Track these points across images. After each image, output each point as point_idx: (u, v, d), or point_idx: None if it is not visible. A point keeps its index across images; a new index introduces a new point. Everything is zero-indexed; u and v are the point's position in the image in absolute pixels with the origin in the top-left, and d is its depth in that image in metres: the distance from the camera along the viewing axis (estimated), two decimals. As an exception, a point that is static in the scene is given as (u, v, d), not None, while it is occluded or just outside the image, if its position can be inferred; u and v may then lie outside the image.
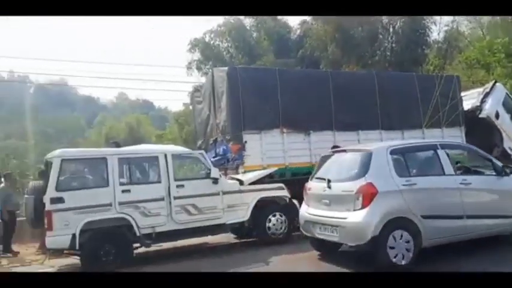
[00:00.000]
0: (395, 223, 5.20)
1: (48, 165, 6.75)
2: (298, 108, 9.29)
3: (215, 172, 7.37)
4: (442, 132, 10.66)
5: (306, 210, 6.30)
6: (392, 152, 5.67)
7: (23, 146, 31.46)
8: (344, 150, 6.57)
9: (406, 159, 5.76)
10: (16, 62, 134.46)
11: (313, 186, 6.27)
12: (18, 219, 9.06)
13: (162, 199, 6.93)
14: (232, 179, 8.07)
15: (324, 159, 6.62)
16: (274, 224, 7.62)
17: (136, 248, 6.86)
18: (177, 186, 7.07)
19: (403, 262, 5.05)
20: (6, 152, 29.49)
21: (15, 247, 8.74)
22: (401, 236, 5.20)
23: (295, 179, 9.00)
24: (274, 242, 7.50)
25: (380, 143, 7.26)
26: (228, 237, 8.44)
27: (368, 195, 5.25)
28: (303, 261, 6.38)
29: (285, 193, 7.91)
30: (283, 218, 7.69)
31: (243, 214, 7.48)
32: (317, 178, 6.29)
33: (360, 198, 5.27)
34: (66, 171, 6.69)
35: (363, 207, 5.24)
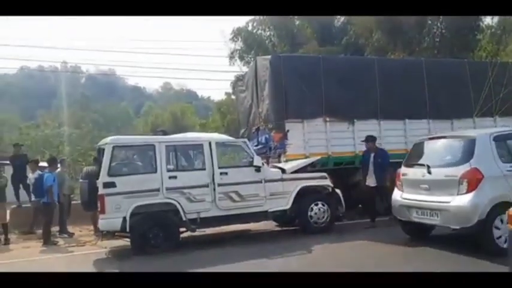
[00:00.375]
0: (500, 207, 5.27)
1: (100, 151, 7.11)
2: (342, 97, 9.17)
3: (258, 160, 7.45)
4: (494, 121, 10.16)
5: (401, 196, 6.49)
6: (495, 139, 5.83)
7: (75, 133, 33.06)
8: (442, 137, 6.67)
9: (508, 146, 5.90)
10: (68, 53, 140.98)
11: (410, 172, 6.45)
12: (72, 202, 9.66)
13: (207, 186, 7.11)
14: (275, 167, 8.13)
15: (418, 146, 6.80)
16: (316, 213, 7.62)
17: (182, 232, 7.10)
18: (221, 173, 7.22)
19: (505, 245, 5.03)
20: (60, 139, 31.24)
21: (70, 229, 9.31)
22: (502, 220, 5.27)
23: (338, 169, 8.97)
24: (316, 230, 7.51)
25: (481, 130, 7.24)
26: (270, 225, 8.55)
27: (474, 180, 5.47)
28: (344, 250, 6.37)
29: (327, 182, 7.88)
30: (326, 207, 7.66)
31: (285, 202, 7.53)
32: (413, 164, 6.44)
33: (465, 183, 5.51)
34: (118, 158, 7.02)
35: (468, 191, 5.46)
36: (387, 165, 7.99)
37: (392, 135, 9.47)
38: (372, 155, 8.13)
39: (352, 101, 9.23)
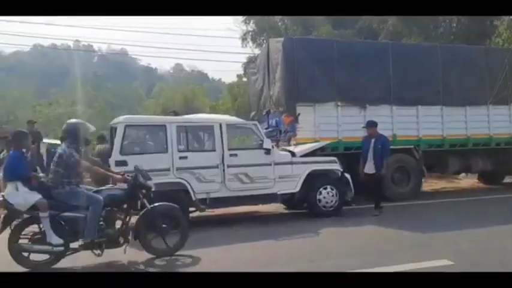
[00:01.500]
0: None
1: (113, 130, 7.19)
2: (354, 81, 9.10)
3: (267, 143, 7.47)
4: (509, 109, 10.01)
5: None
6: None
7: (87, 112, 33.33)
8: None
9: None
10: (81, 31, 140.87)
11: None
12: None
13: (216, 167, 7.18)
14: (285, 150, 8.15)
15: None
16: (324, 197, 7.65)
17: (192, 212, 7.21)
18: (231, 155, 7.27)
19: None
20: (72, 117, 31.53)
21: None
22: None
23: (348, 153, 8.96)
24: (324, 214, 7.56)
25: None
26: (278, 208, 8.62)
27: None
28: (351, 234, 6.42)
29: (337, 167, 7.89)
30: (334, 191, 7.69)
31: (294, 185, 7.57)
32: None
33: None
34: (130, 137, 7.11)
35: None
36: (387, 152, 7.84)
37: (405, 121, 9.40)
38: (373, 140, 7.88)
39: (365, 86, 9.16)
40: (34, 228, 4.97)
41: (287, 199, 7.94)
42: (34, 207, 4.77)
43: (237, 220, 7.80)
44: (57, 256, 4.92)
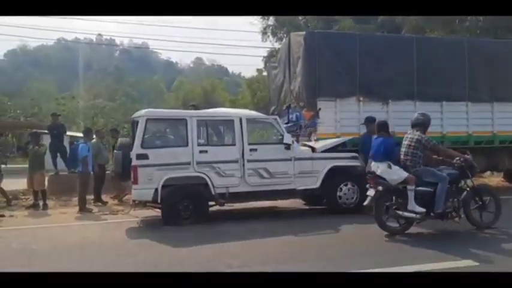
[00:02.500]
0: None
1: (135, 124, 7.26)
2: (377, 76, 8.90)
3: (288, 138, 7.42)
4: (539, 106, 9.66)
5: None
6: None
7: (109, 105, 33.87)
8: None
9: None
10: (104, 25, 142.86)
11: None
12: (107, 172, 9.98)
13: (236, 161, 7.17)
14: (305, 146, 8.08)
15: None
16: (345, 194, 7.57)
17: (211, 206, 7.23)
18: (251, 149, 7.25)
19: None
20: (94, 111, 32.13)
21: (103, 197, 9.65)
22: None
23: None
24: (345, 211, 7.48)
25: None
26: (297, 203, 8.57)
27: None
28: (371, 231, 6.32)
29: (358, 163, 7.77)
30: (355, 187, 7.59)
31: (314, 181, 7.50)
32: None
33: None
34: (151, 130, 7.16)
35: None
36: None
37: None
38: (374, 137, 7.19)
39: (388, 81, 8.96)
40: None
41: (307, 195, 7.87)
42: (402, 182, 5.79)
43: (257, 215, 7.78)
44: (411, 223, 5.87)
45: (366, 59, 8.85)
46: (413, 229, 5.96)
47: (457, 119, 9.34)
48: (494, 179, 12.09)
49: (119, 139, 8.87)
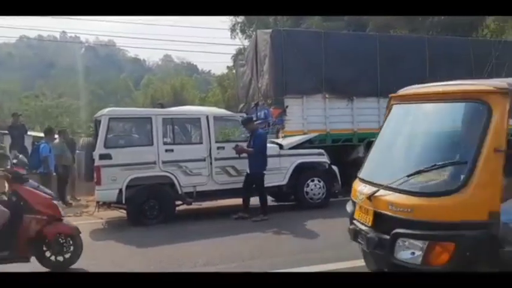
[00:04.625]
0: None
1: (97, 123, 7.09)
2: (342, 73, 9.07)
3: (256, 135, 7.41)
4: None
5: None
6: None
7: (74, 104, 32.94)
8: None
9: None
10: (68, 22, 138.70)
11: None
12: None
13: (203, 160, 7.12)
14: (272, 143, 8.12)
15: None
16: (312, 189, 7.66)
17: (178, 205, 7.16)
18: (218, 148, 7.22)
19: None
20: (59, 110, 31.18)
21: (68, 199, 9.37)
22: None
23: (336, 146, 8.96)
24: (312, 206, 7.57)
25: None
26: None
27: None
28: (337, 225, 6.41)
29: (324, 159, 7.89)
30: (322, 183, 7.69)
31: (282, 178, 7.56)
32: None
33: None
34: (114, 130, 7.02)
35: None
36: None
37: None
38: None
39: (352, 78, 9.14)
40: None
41: (275, 191, 7.93)
42: None
43: (225, 213, 7.75)
44: None
45: (331, 57, 9.00)
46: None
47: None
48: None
49: (81, 139, 8.64)
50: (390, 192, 3.08)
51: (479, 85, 3.06)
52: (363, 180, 3.59)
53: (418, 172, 2.97)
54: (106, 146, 6.64)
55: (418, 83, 10.39)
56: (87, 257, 5.18)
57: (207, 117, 7.27)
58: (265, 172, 7.00)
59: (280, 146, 7.84)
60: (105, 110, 7.05)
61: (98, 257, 5.21)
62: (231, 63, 27.03)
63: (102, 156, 6.58)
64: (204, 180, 7.12)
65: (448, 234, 2.75)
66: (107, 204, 7.08)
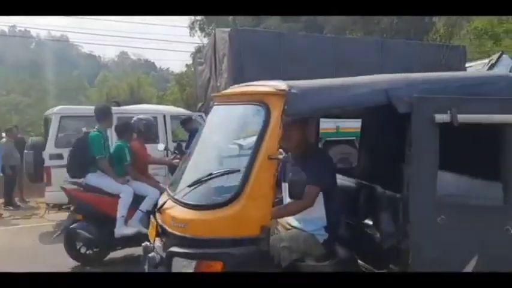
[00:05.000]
0: None
1: (48, 121, 6.80)
2: (299, 75, 9.09)
3: (214, 135, 7.39)
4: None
5: None
6: None
7: (24, 101, 31.41)
8: None
9: None
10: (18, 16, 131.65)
11: None
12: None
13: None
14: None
15: None
16: (270, 188, 7.72)
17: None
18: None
19: None
20: (7, 107, 29.58)
21: (16, 201, 8.94)
22: None
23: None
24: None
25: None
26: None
27: None
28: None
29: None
30: (280, 182, 7.78)
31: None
32: None
33: None
34: (65, 128, 6.75)
35: None
36: None
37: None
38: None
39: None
40: None
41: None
42: None
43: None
44: None
45: (288, 58, 9.11)
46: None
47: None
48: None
49: (30, 138, 8.25)
50: (174, 205, 2.72)
51: (262, 86, 2.75)
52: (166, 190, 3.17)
53: (198, 182, 2.67)
54: (57, 146, 6.39)
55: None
56: (33, 260, 5.00)
57: (164, 116, 7.17)
58: None
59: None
60: (56, 108, 6.81)
61: (46, 259, 5.01)
62: (190, 61, 26.80)
63: (53, 157, 6.33)
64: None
65: (215, 252, 2.45)
66: (57, 206, 6.81)
